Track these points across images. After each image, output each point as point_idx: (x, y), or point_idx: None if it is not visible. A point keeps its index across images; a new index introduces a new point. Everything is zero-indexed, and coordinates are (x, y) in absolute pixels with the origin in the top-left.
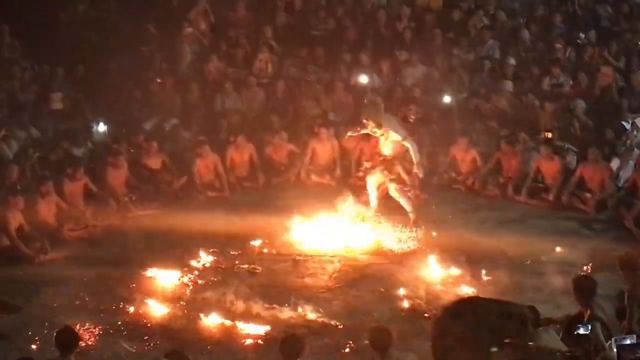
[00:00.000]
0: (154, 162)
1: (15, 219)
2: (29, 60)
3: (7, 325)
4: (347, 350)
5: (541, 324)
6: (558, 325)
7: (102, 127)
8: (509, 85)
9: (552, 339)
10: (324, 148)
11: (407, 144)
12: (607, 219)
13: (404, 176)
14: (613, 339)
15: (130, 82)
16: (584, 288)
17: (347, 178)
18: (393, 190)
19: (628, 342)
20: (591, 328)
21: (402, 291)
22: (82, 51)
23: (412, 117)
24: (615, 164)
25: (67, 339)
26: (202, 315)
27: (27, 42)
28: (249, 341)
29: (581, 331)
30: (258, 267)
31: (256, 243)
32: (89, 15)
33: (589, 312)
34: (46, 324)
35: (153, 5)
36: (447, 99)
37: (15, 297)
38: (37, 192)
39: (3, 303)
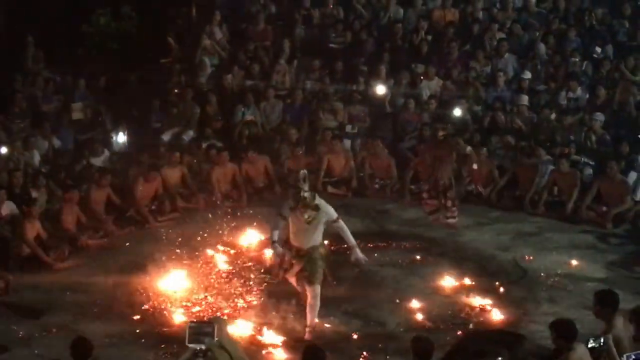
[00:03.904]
0: (173, 174)
1: (34, 227)
2: (52, 71)
3: (29, 332)
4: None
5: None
6: None
7: (121, 138)
8: (524, 99)
9: None
10: (338, 160)
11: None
12: (624, 233)
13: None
14: (626, 355)
15: (150, 94)
16: (607, 302)
17: (363, 190)
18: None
19: None
20: (604, 341)
21: (416, 302)
22: (104, 62)
23: (442, 133)
24: (632, 178)
25: (81, 349)
26: None
27: (50, 53)
28: (264, 350)
29: (591, 344)
30: (274, 277)
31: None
32: (111, 27)
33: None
34: (65, 330)
35: (173, 18)
36: (463, 111)
37: (36, 304)
38: (61, 199)
39: (25, 308)
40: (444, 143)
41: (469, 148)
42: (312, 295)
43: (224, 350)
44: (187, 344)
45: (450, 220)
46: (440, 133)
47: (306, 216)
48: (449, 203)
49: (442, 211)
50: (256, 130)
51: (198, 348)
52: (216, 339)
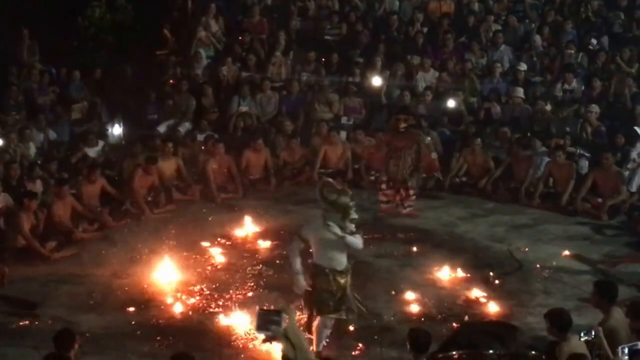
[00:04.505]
0: (168, 166)
1: (29, 219)
2: (47, 63)
3: (24, 324)
4: (356, 352)
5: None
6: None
7: (117, 130)
8: (519, 91)
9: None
10: (334, 151)
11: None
12: (620, 225)
13: None
14: (622, 347)
15: (146, 85)
16: (606, 293)
17: (358, 181)
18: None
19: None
20: (595, 333)
21: (411, 294)
22: (99, 55)
23: (404, 125)
24: (627, 169)
25: (65, 340)
26: (214, 315)
27: (45, 46)
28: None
29: (582, 337)
30: (269, 269)
31: (267, 244)
32: (106, 19)
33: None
34: (61, 322)
35: (168, 10)
36: (458, 103)
37: (31, 295)
38: (54, 193)
39: (20, 300)
40: (406, 134)
41: (428, 139)
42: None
43: (288, 341)
44: (255, 330)
45: (408, 210)
46: (402, 124)
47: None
48: (410, 192)
49: (397, 202)
50: (251, 122)
51: (265, 335)
52: (283, 328)
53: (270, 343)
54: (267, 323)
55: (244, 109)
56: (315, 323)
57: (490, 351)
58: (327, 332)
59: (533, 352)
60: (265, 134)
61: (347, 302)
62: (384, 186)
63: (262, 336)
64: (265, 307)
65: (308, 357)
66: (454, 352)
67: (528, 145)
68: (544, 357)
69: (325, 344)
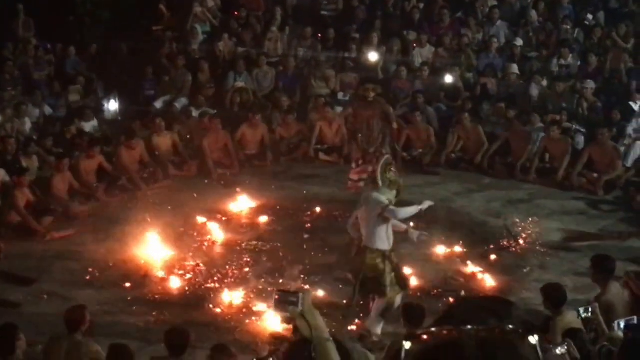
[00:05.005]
0: (163, 142)
1: (23, 194)
2: (43, 39)
3: (20, 298)
4: (353, 327)
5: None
6: None
7: (113, 105)
8: (514, 67)
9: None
10: (330, 127)
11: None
12: (615, 200)
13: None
14: (618, 321)
15: (142, 62)
16: (603, 267)
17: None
18: None
19: (635, 322)
20: (591, 309)
21: (407, 269)
22: (95, 30)
23: (372, 94)
24: (623, 145)
25: (76, 318)
26: (210, 290)
27: (41, 21)
28: (253, 317)
29: (583, 314)
30: (266, 244)
31: (264, 219)
32: None
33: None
34: (57, 297)
35: None
36: (455, 78)
37: (27, 271)
38: (53, 167)
39: (17, 276)
40: (374, 103)
41: (390, 107)
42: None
43: (304, 320)
44: (273, 311)
45: None
46: (371, 94)
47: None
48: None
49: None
50: (248, 97)
51: (283, 316)
52: (300, 308)
53: (289, 324)
54: (285, 304)
55: (240, 84)
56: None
57: (468, 327)
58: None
59: (510, 327)
60: (262, 109)
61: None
62: (354, 165)
63: (280, 317)
64: (281, 289)
65: (324, 335)
66: (433, 329)
67: (527, 121)
68: (520, 331)
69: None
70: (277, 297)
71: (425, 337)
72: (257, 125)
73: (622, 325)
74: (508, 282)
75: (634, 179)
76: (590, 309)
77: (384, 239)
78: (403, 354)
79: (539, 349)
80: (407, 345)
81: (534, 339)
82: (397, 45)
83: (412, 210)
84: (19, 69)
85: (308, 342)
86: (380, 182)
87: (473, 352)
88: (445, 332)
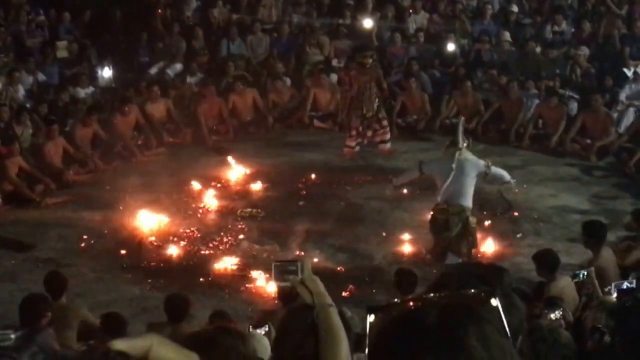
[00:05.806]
0: (157, 109)
1: (14, 163)
2: (35, 6)
3: (14, 266)
4: (347, 293)
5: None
6: None
7: (107, 72)
8: (507, 35)
9: None
10: (324, 94)
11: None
12: (608, 166)
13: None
14: (612, 284)
15: (136, 28)
16: (594, 233)
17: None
18: None
19: (626, 286)
20: (587, 274)
21: (403, 236)
22: None
23: (370, 61)
24: (616, 111)
25: (57, 284)
26: (206, 257)
27: None
28: (248, 284)
29: (580, 278)
30: (260, 212)
31: (258, 186)
32: None
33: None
34: (51, 265)
35: None
36: (449, 45)
37: (22, 238)
38: (44, 134)
39: (14, 242)
40: (370, 69)
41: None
42: None
43: (305, 287)
44: (273, 281)
45: (387, 146)
46: (369, 60)
47: None
48: (384, 123)
49: (373, 140)
50: (242, 64)
51: (283, 285)
52: (300, 276)
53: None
54: (284, 274)
55: (235, 52)
56: None
57: (431, 294)
58: None
59: (472, 291)
60: (257, 76)
61: None
62: (354, 132)
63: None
64: (279, 260)
65: (326, 301)
66: (396, 299)
67: (522, 87)
68: (482, 294)
69: None
70: (275, 268)
71: (388, 309)
72: (242, 93)
73: (616, 289)
74: (502, 248)
75: (627, 144)
76: (585, 273)
77: (471, 197)
78: (367, 327)
79: (501, 311)
80: (370, 318)
81: (495, 301)
82: (392, 12)
83: (506, 173)
84: (12, 36)
85: (309, 309)
86: (463, 143)
87: (434, 320)
88: (410, 303)
